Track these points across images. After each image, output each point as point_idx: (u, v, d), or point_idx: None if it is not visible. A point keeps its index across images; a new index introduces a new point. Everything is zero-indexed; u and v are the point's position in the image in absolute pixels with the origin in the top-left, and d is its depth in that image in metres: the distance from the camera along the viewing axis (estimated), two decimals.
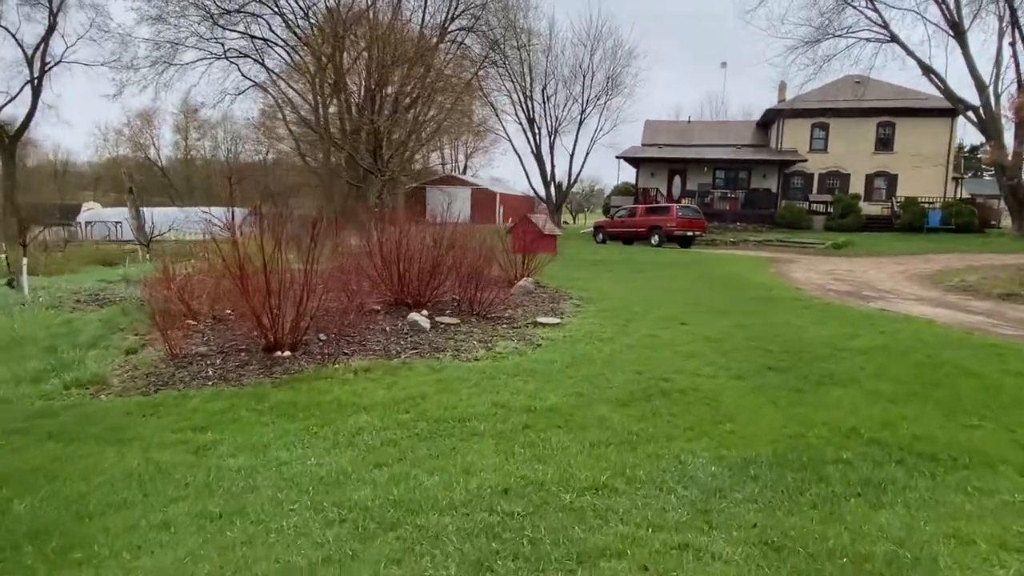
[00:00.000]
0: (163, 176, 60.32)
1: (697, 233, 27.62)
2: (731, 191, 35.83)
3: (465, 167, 66.77)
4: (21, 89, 35.22)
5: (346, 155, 28.71)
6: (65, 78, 73.99)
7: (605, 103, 46.33)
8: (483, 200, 48.63)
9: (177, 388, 5.20)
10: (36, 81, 34.98)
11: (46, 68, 35.27)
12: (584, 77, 46.46)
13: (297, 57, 28.90)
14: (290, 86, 29.38)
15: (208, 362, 5.73)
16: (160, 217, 21.03)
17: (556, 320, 8.20)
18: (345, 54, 28.35)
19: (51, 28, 34.60)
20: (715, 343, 7.33)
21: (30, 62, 34.81)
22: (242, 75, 29.03)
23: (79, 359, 5.86)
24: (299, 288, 6.09)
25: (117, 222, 31.70)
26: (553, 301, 9.97)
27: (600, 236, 29.69)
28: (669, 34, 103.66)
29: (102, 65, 30.70)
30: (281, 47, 28.25)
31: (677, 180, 37.03)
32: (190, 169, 62.21)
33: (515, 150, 59.63)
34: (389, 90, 29.78)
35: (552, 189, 49.63)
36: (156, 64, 27.26)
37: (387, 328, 7.27)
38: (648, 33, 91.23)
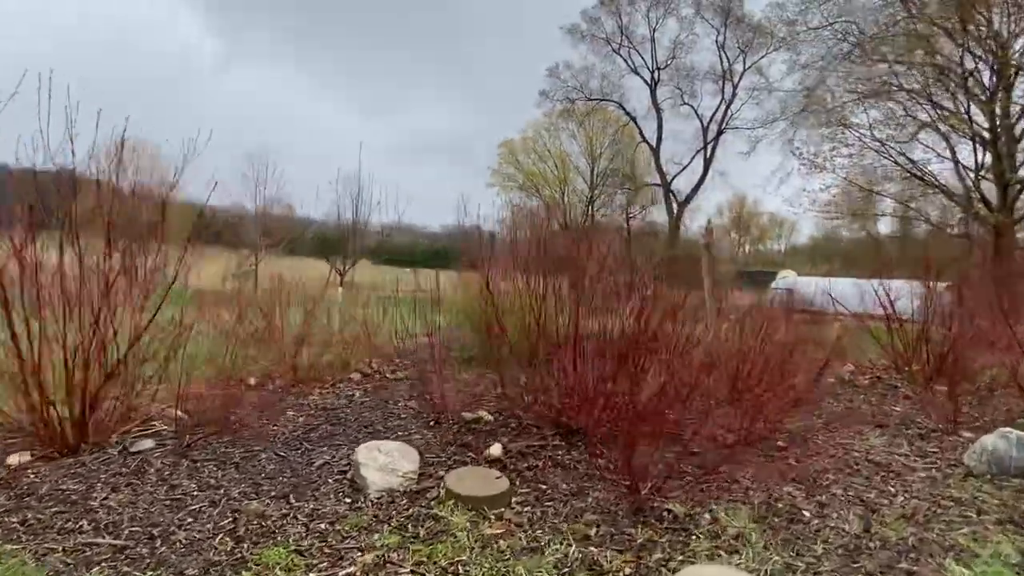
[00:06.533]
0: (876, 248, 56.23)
1: None
2: None
3: None
4: (692, 158, 37.10)
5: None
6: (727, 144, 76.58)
7: None
8: None
9: None
10: (708, 149, 37.36)
11: (719, 134, 37.01)
12: None
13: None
14: (971, 120, 21.76)
15: None
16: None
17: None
18: None
19: (729, 98, 35.93)
20: None
21: (705, 132, 37.60)
22: (906, 112, 23.47)
23: None
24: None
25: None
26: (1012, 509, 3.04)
27: None
28: None
29: (759, 128, 30.35)
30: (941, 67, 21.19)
31: None
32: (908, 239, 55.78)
33: None
34: None
35: None
36: (798, 115, 25.11)
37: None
38: None
